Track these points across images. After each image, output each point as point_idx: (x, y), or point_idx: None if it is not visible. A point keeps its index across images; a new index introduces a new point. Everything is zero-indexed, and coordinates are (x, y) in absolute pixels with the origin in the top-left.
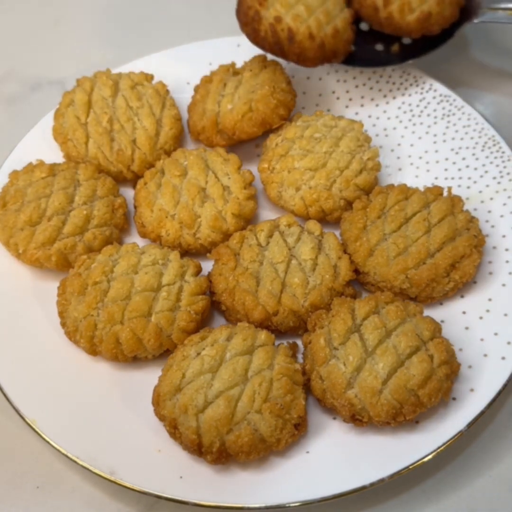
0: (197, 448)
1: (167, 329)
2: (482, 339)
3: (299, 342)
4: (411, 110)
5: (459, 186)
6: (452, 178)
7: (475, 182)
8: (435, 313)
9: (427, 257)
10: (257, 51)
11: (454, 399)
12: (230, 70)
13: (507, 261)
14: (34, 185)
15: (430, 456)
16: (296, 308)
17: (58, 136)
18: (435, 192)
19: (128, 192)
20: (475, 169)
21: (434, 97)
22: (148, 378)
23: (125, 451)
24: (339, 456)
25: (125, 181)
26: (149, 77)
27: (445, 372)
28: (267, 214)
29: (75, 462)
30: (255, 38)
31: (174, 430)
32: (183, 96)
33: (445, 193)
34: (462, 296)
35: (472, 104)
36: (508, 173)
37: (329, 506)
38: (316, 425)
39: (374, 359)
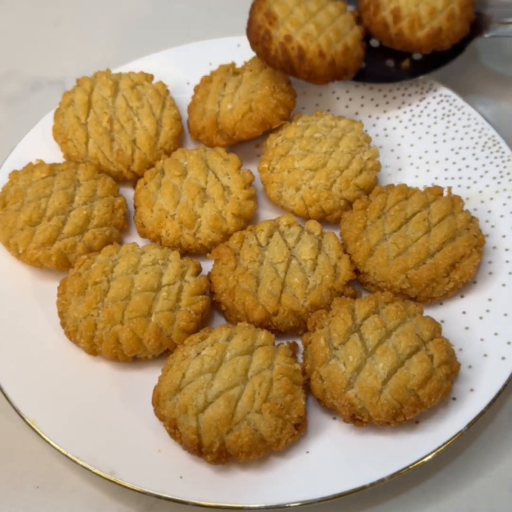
0: (197, 448)
1: (167, 329)
2: (482, 339)
3: (299, 342)
4: (411, 110)
5: (459, 186)
6: (452, 178)
7: (475, 182)
8: (435, 313)
9: (427, 257)
10: None
11: (454, 399)
12: (230, 70)
13: (507, 261)
14: (34, 185)
15: (430, 456)
16: (296, 308)
17: (58, 136)
18: (435, 192)
19: (128, 192)
20: (475, 169)
21: (434, 97)
22: (148, 378)
23: (125, 451)
24: (339, 456)
25: (125, 181)
26: (149, 77)
27: (445, 372)
28: (267, 214)
29: (75, 462)
30: (265, 57)
31: (174, 430)
32: (183, 96)
33: (445, 193)
34: (462, 296)
35: (472, 104)
36: (508, 173)
37: (329, 506)
38: (316, 425)
39: (374, 359)
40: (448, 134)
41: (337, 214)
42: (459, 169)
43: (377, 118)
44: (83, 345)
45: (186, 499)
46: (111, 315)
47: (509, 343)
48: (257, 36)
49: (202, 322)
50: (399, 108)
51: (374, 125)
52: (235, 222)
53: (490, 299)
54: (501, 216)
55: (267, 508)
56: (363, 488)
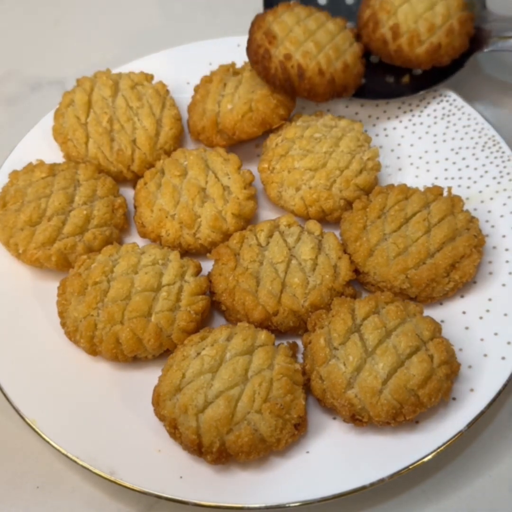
0: (197, 448)
1: (167, 329)
2: (482, 339)
3: (299, 342)
4: (411, 110)
5: (459, 186)
6: (452, 178)
7: (475, 182)
8: (435, 313)
9: (427, 257)
10: None
11: (454, 399)
12: (230, 70)
13: (507, 261)
14: (34, 185)
15: (430, 456)
16: (296, 308)
17: (58, 136)
18: (435, 192)
19: (128, 192)
20: (475, 169)
21: (434, 97)
22: (148, 378)
23: (125, 451)
24: (339, 456)
25: (125, 181)
26: (149, 77)
27: (445, 372)
28: (267, 214)
29: (75, 462)
30: (265, 75)
31: (174, 430)
32: (183, 96)
33: (445, 193)
34: (462, 296)
35: (472, 104)
36: (508, 173)
37: (329, 506)
38: (316, 425)
39: (374, 359)
40: (448, 134)
41: (337, 214)
42: (459, 169)
43: (377, 118)
44: (83, 345)
45: (186, 499)
46: (111, 315)
47: (509, 343)
48: (256, 55)
49: (202, 322)
50: (399, 108)
51: (374, 125)
52: (235, 222)
53: (490, 299)
54: (501, 216)
55: (267, 508)
56: (363, 488)
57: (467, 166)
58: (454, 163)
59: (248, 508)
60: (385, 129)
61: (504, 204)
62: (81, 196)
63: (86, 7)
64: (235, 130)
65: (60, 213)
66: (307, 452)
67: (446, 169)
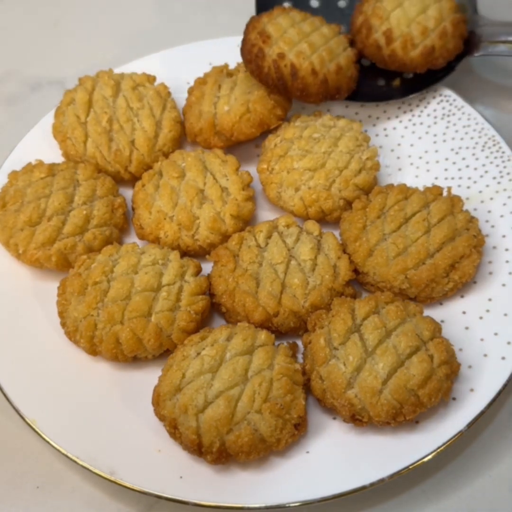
0: (197, 448)
1: (167, 329)
2: (482, 339)
3: (299, 342)
4: (411, 110)
5: (459, 186)
6: (452, 178)
7: (475, 182)
8: (435, 313)
9: (427, 257)
10: None
11: (454, 399)
12: (224, 72)
13: (507, 261)
14: (34, 185)
15: (430, 456)
16: (297, 309)
17: (57, 134)
18: (435, 192)
19: (128, 192)
20: (475, 169)
21: (434, 97)
22: (148, 378)
23: (125, 451)
24: (339, 456)
25: (122, 181)
26: (151, 79)
27: (445, 372)
28: (266, 214)
29: (75, 462)
30: (258, 74)
31: (174, 430)
32: (183, 96)
33: (444, 193)
34: (462, 296)
35: (472, 104)
36: (508, 173)
37: (329, 506)
38: (316, 425)
39: (374, 359)
40: (448, 134)
41: (337, 214)
42: (459, 169)
43: (377, 118)
44: (83, 345)
45: (186, 499)
46: (111, 315)
47: (509, 343)
48: (250, 54)
49: (202, 322)
50: (399, 108)
51: (374, 125)
52: (234, 223)
53: (490, 299)
54: (501, 216)
55: (267, 508)
56: (363, 488)
57: (467, 166)
58: (454, 163)
59: (248, 508)
60: (385, 129)
61: (504, 204)
62: (81, 196)
63: (86, 7)
64: (233, 131)
65: (60, 213)
66: (307, 452)
67: (446, 169)
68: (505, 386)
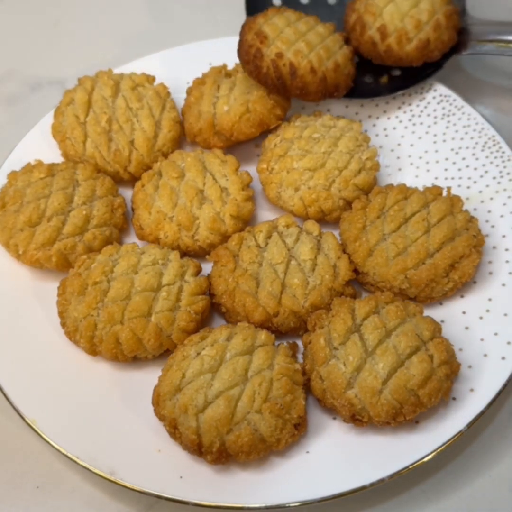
0: (197, 448)
1: (167, 329)
2: (482, 339)
3: (299, 342)
4: (411, 110)
5: (459, 186)
6: (452, 178)
7: (475, 182)
8: (435, 313)
9: (427, 257)
10: None
11: (454, 399)
12: (222, 72)
13: (507, 261)
14: (33, 186)
15: (430, 456)
16: (297, 309)
17: (57, 134)
18: (435, 192)
19: (127, 193)
20: (475, 169)
21: (434, 97)
22: (148, 378)
23: (125, 451)
24: (339, 456)
25: (121, 181)
26: (150, 79)
27: (445, 372)
28: (266, 214)
29: (75, 462)
30: (257, 75)
31: (174, 430)
32: (183, 97)
33: (444, 193)
34: (462, 296)
35: (472, 104)
36: (508, 173)
37: (329, 506)
38: (316, 425)
39: (374, 359)
40: (448, 134)
41: (336, 214)
42: (459, 169)
43: (377, 118)
44: (83, 345)
45: (186, 499)
46: (111, 315)
47: (509, 343)
48: (248, 54)
49: (202, 322)
50: (399, 108)
51: (374, 125)
52: (234, 223)
53: (490, 299)
54: (501, 216)
55: (267, 508)
56: (363, 488)
57: (467, 166)
58: (454, 163)
59: (248, 508)
60: (385, 129)
61: (504, 204)
62: (80, 196)
63: (86, 7)
64: (232, 131)
65: (60, 213)
66: (307, 452)
67: (446, 169)
68: (505, 386)
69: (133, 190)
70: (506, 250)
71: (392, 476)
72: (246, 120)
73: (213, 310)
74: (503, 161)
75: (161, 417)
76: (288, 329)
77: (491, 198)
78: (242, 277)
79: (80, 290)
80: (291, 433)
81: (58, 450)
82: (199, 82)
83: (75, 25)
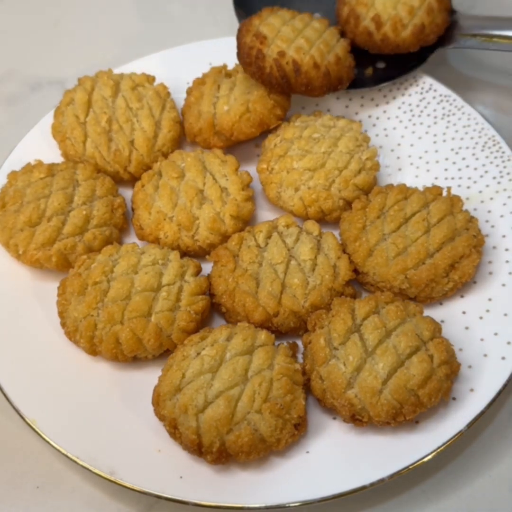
0: (197, 448)
1: (167, 329)
2: (482, 339)
3: (299, 342)
4: (411, 110)
5: (459, 186)
6: (452, 178)
7: (475, 182)
8: (435, 313)
9: (427, 257)
10: None
11: (454, 399)
12: (222, 72)
13: (507, 261)
14: (33, 186)
15: (430, 456)
16: (297, 309)
17: (57, 134)
18: (434, 192)
19: (127, 193)
20: (475, 169)
21: (434, 97)
22: (148, 378)
23: (125, 451)
24: (339, 456)
25: (121, 181)
26: (150, 79)
27: (445, 372)
28: (266, 214)
29: (75, 462)
30: (260, 76)
31: (174, 430)
32: (183, 97)
33: (444, 193)
34: (462, 296)
35: (472, 104)
36: (508, 173)
37: (329, 506)
38: (316, 425)
39: (374, 359)
40: (448, 134)
41: (336, 214)
42: (459, 169)
43: (377, 118)
44: (83, 345)
45: (186, 499)
46: (111, 315)
47: (509, 343)
48: (249, 56)
49: (202, 322)
50: (399, 108)
51: (374, 125)
52: (233, 223)
53: (490, 299)
54: (501, 216)
55: (267, 508)
56: (363, 488)
57: (467, 166)
58: (454, 163)
59: (248, 508)
60: (385, 129)
61: (504, 204)
62: (80, 196)
63: (86, 7)
64: (232, 131)
65: (60, 213)
66: (307, 452)
67: (446, 169)
68: (505, 386)
69: (133, 190)
70: (506, 250)
71: (392, 476)
72: (246, 120)
73: (213, 310)
74: (503, 161)
75: (161, 417)
76: (288, 329)
77: (491, 198)
78: (242, 277)
79: (80, 290)
80: (291, 433)
81: (58, 450)
82: (199, 82)
83: (75, 25)
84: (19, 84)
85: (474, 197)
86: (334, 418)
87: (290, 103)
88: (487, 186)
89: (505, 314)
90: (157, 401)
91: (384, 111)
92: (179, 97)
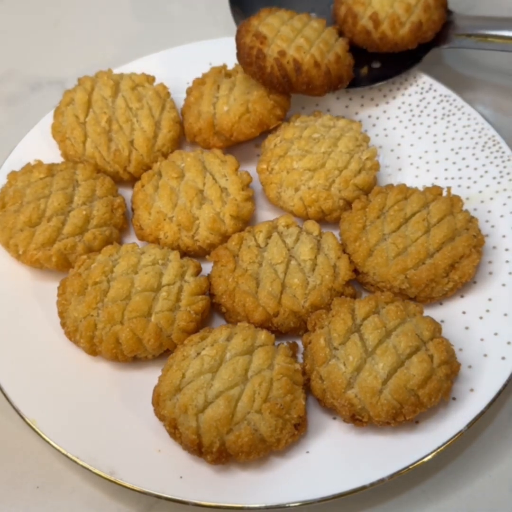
0: (197, 448)
1: (167, 329)
2: (482, 339)
3: (299, 342)
4: (411, 110)
5: (459, 186)
6: (452, 178)
7: (475, 182)
8: (435, 313)
9: (427, 257)
10: None
11: (454, 399)
12: (222, 72)
13: (507, 261)
14: (33, 186)
15: (430, 456)
16: (297, 309)
17: (56, 134)
18: (434, 192)
19: (127, 193)
20: (475, 169)
21: (434, 97)
22: (148, 378)
23: (125, 451)
24: (339, 456)
25: (121, 181)
26: (150, 79)
27: (445, 372)
28: (266, 214)
29: (75, 462)
30: (261, 75)
31: (174, 430)
32: (183, 97)
33: (444, 193)
34: (462, 296)
35: (472, 104)
36: (508, 173)
37: (329, 506)
38: (316, 425)
39: (374, 359)
40: (448, 134)
41: (336, 214)
42: (459, 169)
43: (377, 118)
44: (83, 345)
45: (186, 499)
46: (111, 315)
47: (509, 343)
48: (250, 57)
49: (202, 322)
50: (399, 108)
51: (374, 125)
52: (233, 223)
53: (490, 299)
54: (501, 216)
55: (267, 508)
56: (363, 488)
57: (467, 166)
58: (454, 163)
59: (248, 508)
60: (385, 129)
61: (504, 204)
62: (80, 196)
63: (86, 7)
64: (232, 131)
65: (60, 213)
66: (307, 452)
67: (446, 169)
68: (505, 386)
69: (133, 190)
70: (506, 250)
71: (392, 476)
72: (246, 120)
73: (213, 310)
74: (503, 161)
75: (161, 417)
76: (288, 329)
77: (491, 198)
78: (242, 277)
79: (80, 290)
80: (291, 433)
81: (58, 450)
82: (199, 82)
83: (75, 25)
84: (19, 84)
85: (474, 197)
86: (334, 418)
87: (290, 103)
88: (487, 186)
89: (505, 314)
90: (157, 401)
91: (384, 111)
92: (179, 97)
